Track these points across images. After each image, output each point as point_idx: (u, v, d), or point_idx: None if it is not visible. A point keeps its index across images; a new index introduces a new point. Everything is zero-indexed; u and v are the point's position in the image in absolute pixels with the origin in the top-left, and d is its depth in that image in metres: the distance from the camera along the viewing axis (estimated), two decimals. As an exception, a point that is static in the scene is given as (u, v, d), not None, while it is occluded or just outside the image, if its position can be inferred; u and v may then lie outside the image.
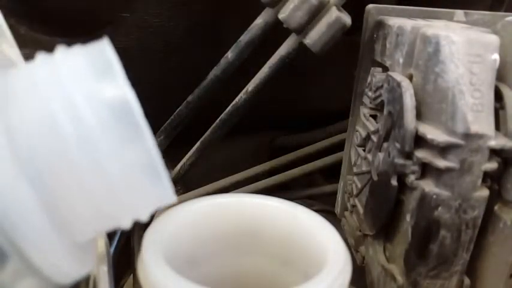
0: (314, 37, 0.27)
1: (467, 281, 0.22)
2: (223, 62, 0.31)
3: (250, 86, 0.30)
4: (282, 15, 0.27)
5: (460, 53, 0.19)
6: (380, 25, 0.25)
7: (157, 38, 0.35)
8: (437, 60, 0.20)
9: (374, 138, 0.24)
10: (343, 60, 0.32)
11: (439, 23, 0.23)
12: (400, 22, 0.23)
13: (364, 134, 0.26)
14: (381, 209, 0.23)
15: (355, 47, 0.28)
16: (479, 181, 0.19)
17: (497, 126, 0.19)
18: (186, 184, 0.36)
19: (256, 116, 0.35)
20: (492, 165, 0.19)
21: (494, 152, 0.19)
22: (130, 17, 0.34)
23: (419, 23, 0.23)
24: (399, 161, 0.20)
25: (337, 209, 0.32)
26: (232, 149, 0.43)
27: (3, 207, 0.11)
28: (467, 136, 0.19)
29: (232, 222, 0.21)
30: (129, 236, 0.33)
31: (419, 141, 0.20)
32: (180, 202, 0.20)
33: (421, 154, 0.20)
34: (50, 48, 0.14)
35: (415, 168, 0.20)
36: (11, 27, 0.21)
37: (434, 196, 0.20)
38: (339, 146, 0.38)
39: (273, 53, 0.29)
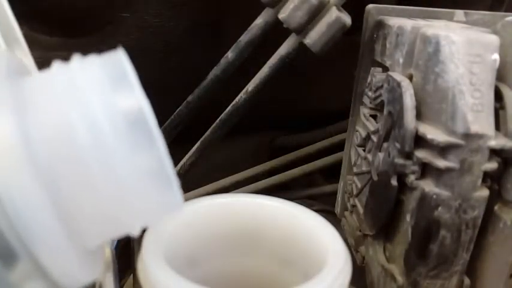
0: (314, 37, 0.27)
1: (467, 281, 0.22)
2: (223, 62, 0.31)
3: (250, 86, 0.30)
4: (282, 15, 0.27)
5: (460, 53, 0.19)
6: (380, 25, 0.25)
7: (157, 38, 0.35)
8: (437, 60, 0.20)
9: (374, 138, 0.24)
10: (343, 60, 0.32)
11: (439, 23, 0.23)
12: (400, 22, 0.23)
13: (364, 134, 0.26)
14: (381, 209, 0.23)
15: (355, 47, 0.28)
16: (479, 181, 0.19)
17: (497, 126, 0.19)
18: (186, 184, 0.36)
19: (256, 116, 0.35)
20: (492, 165, 0.19)
21: (494, 152, 0.19)
22: (130, 17, 0.34)
23: (419, 23, 0.23)
24: (399, 161, 0.20)
25: (337, 209, 0.32)
26: (232, 149, 0.43)
27: (18, 210, 0.12)
28: (467, 136, 0.19)
29: (232, 222, 0.21)
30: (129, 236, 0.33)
31: (419, 141, 0.20)
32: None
33: (421, 154, 0.20)
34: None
35: (415, 168, 0.20)
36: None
37: (434, 196, 0.20)
38: (339, 146, 0.38)
39: (273, 53, 0.29)
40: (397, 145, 0.21)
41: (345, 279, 0.17)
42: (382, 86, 0.23)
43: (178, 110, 0.33)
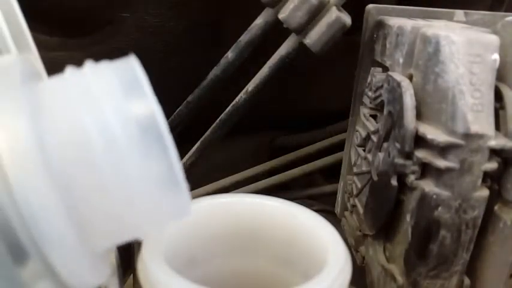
0: (314, 37, 0.27)
1: (467, 281, 0.22)
2: (223, 62, 0.31)
3: (250, 86, 0.30)
4: (282, 15, 0.27)
5: (460, 53, 0.19)
6: (380, 25, 0.25)
7: (157, 38, 0.35)
8: (437, 60, 0.20)
9: (374, 138, 0.24)
10: (343, 60, 0.32)
11: (439, 23, 0.23)
12: (400, 22, 0.23)
13: (364, 134, 0.26)
14: (381, 209, 0.23)
15: (355, 47, 0.28)
16: (479, 181, 0.19)
17: (497, 126, 0.20)
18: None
19: (256, 116, 0.35)
20: (492, 165, 0.19)
21: (494, 152, 0.19)
22: (130, 17, 0.34)
23: (419, 23, 0.23)
24: (399, 161, 0.20)
25: (337, 209, 0.32)
26: (232, 149, 0.43)
27: (31, 211, 0.12)
28: (467, 136, 0.19)
29: (232, 222, 0.21)
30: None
31: (419, 141, 0.20)
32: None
33: (421, 154, 0.20)
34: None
35: (415, 168, 0.20)
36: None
37: (434, 196, 0.20)
38: (339, 146, 0.38)
39: (273, 53, 0.29)
40: (397, 145, 0.21)
41: (345, 279, 0.17)
42: (382, 86, 0.23)
43: (178, 110, 0.33)
